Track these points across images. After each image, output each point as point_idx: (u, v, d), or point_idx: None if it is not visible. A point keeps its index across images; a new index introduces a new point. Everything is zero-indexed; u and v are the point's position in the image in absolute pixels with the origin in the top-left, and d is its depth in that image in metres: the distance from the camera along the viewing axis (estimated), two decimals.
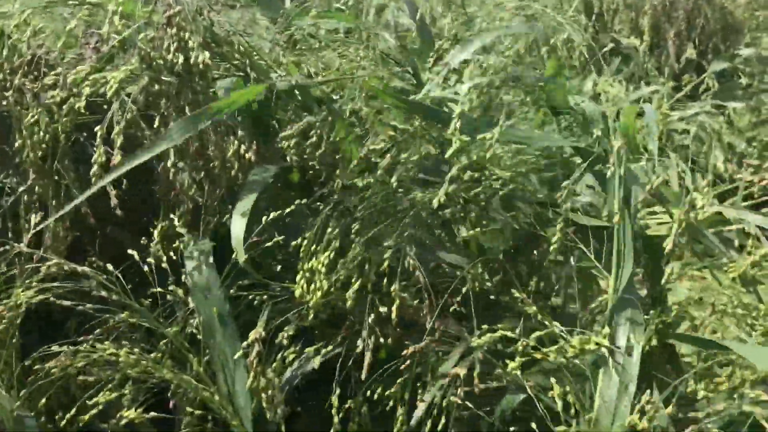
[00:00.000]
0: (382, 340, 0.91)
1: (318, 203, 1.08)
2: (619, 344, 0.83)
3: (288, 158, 1.06)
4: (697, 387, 0.85)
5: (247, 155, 0.97)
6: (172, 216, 0.99)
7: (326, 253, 0.92)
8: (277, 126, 1.12)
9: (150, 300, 0.98)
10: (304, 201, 1.04)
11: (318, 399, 1.03)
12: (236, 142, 0.97)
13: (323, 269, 0.92)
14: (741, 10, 2.30)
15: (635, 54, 2.22)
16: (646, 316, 0.89)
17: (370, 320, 0.91)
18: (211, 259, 0.99)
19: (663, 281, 1.00)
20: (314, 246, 0.94)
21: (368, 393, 0.95)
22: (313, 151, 1.03)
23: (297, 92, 1.11)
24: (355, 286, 0.91)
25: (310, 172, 1.08)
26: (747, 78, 2.13)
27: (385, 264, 0.92)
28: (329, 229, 0.93)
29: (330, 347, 0.96)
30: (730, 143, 2.01)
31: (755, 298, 1.02)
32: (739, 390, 0.78)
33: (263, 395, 0.92)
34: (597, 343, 0.82)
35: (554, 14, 1.78)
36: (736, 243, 1.13)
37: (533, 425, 0.83)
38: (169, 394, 0.97)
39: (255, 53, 1.16)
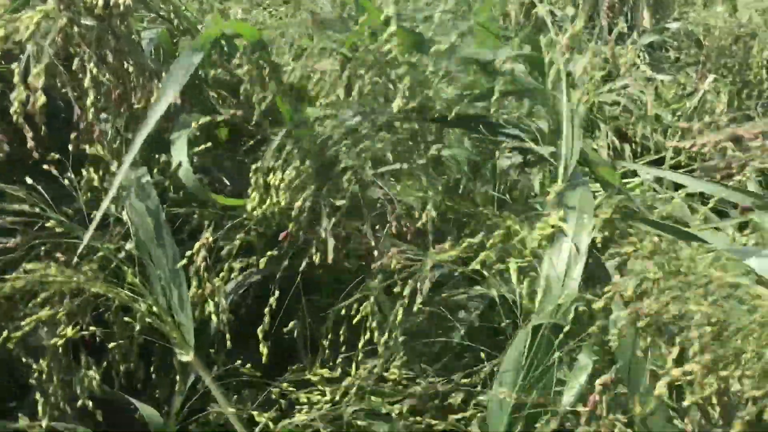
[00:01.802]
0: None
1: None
2: (570, 223, 0.81)
3: (216, 109, 1.05)
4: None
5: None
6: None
7: (288, 171, 0.91)
8: (204, 76, 1.10)
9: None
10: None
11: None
12: (161, 85, 0.94)
13: (283, 185, 0.91)
14: None
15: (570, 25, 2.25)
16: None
17: (326, 212, 0.91)
18: (147, 178, 0.96)
19: None
20: (273, 162, 0.92)
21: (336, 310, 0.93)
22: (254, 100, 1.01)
23: (224, 43, 1.09)
24: (309, 191, 0.91)
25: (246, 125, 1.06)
26: (674, 51, 2.18)
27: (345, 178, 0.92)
28: (288, 148, 0.92)
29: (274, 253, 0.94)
30: (657, 115, 2.06)
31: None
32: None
33: (210, 301, 0.90)
34: (552, 225, 0.81)
35: None
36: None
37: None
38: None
39: (181, 4, 1.13)
